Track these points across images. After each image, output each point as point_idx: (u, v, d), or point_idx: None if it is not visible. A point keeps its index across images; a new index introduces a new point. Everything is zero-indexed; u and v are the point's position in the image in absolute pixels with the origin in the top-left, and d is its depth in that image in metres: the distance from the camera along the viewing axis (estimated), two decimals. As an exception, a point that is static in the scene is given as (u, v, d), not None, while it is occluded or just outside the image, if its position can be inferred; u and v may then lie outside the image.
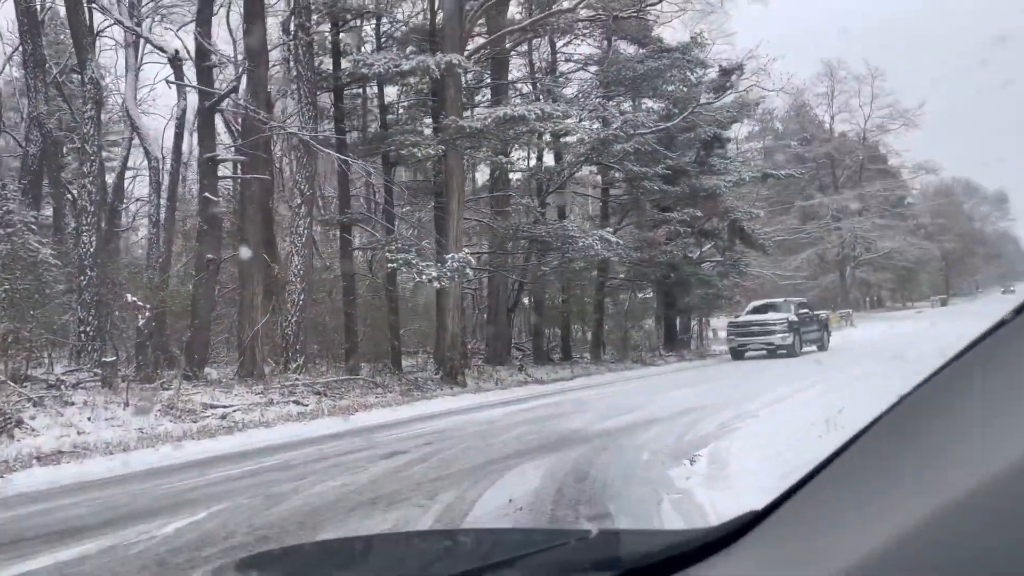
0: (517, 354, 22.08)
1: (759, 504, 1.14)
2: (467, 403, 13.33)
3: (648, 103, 23.49)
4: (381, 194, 19.43)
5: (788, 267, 44.87)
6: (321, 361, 17.07)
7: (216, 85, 16.95)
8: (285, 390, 13.39)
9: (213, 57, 16.15)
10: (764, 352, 21.34)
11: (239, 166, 17.05)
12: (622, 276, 24.68)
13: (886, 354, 16.78)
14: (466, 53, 16.35)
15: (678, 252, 22.61)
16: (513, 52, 21.66)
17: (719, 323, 30.36)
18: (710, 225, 25.41)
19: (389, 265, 15.86)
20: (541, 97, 19.91)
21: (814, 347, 22.99)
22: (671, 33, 28.88)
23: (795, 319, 21.84)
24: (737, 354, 22.18)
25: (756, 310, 23.26)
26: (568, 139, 19.11)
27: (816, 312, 24.78)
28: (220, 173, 17.31)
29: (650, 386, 15.06)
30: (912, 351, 16.64)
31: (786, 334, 21.13)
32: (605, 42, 23.20)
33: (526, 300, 23.88)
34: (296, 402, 12.73)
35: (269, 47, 17.28)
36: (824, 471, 1.00)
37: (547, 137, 17.82)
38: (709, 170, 24.20)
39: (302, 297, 15.24)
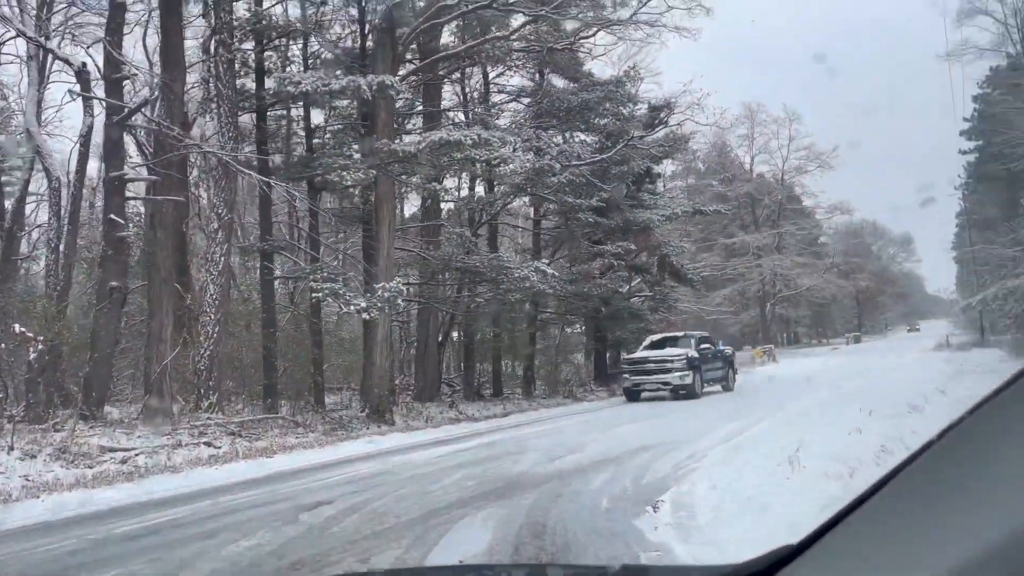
0: (447, 390, 21.22)
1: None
2: (397, 443, 12.45)
3: (581, 136, 23.30)
4: (306, 221, 18.48)
5: (711, 303, 45.64)
6: (237, 399, 15.89)
7: (128, 104, 15.79)
8: (195, 431, 12.24)
9: (124, 68, 15.00)
10: (663, 393, 18.97)
11: (151, 189, 15.85)
12: (551, 311, 24.13)
13: (815, 391, 16.76)
14: (398, 77, 15.73)
15: (612, 285, 22.21)
16: (446, 80, 21.18)
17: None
18: (640, 260, 25.37)
19: (314, 296, 14.93)
20: (475, 126, 19.40)
21: (718, 386, 20.76)
22: (600, 69, 29.16)
23: (696, 355, 19.55)
24: (632, 395, 19.63)
25: (654, 344, 20.73)
26: (502, 169, 18.67)
27: (721, 347, 22.38)
28: (131, 196, 16.08)
29: (589, 423, 14.51)
30: (848, 385, 16.72)
31: (685, 372, 18.84)
32: (538, 75, 23.01)
33: (455, 334, 23.09)
34: (208, 444, 11.61)
35: (188, 65, 16.26)
36: (863, 506, 0.95)
37: (481, 166, 17.29)
38: (639, 204, 24.21)
39: (217, 329, 14.15)
